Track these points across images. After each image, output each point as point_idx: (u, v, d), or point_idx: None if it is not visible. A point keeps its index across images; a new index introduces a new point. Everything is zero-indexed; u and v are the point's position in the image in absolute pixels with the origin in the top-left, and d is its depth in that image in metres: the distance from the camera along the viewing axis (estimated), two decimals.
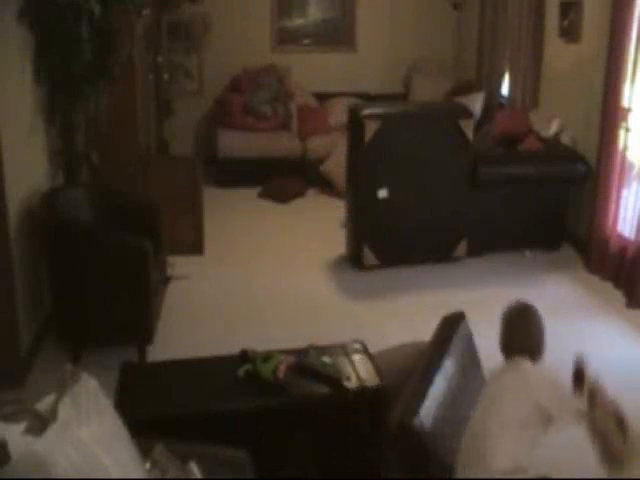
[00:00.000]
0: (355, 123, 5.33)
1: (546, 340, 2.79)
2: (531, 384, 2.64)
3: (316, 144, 7.44)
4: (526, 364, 2.69)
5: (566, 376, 2.71)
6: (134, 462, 2.15)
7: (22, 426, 1.93)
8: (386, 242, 5.44)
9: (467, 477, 2.53)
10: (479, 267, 5.56)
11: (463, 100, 6.80)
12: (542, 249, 5.78)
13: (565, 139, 5.89)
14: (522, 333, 2.76)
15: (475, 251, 5.65)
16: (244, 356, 3.16)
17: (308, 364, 3.15)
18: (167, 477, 2.27)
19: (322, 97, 7.94)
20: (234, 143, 7.38)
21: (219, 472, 2.45)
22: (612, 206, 5.29)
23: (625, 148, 5.21)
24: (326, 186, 7.18)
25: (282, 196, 7.02)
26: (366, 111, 5.31)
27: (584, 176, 5.58)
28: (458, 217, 5.53)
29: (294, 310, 4.89)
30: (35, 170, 4.38)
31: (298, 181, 7.26)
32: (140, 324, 4.14)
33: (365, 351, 3.37)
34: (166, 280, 4.95)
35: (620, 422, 2.44)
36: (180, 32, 7.68)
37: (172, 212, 5.12)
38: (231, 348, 3.34)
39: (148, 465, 2.26)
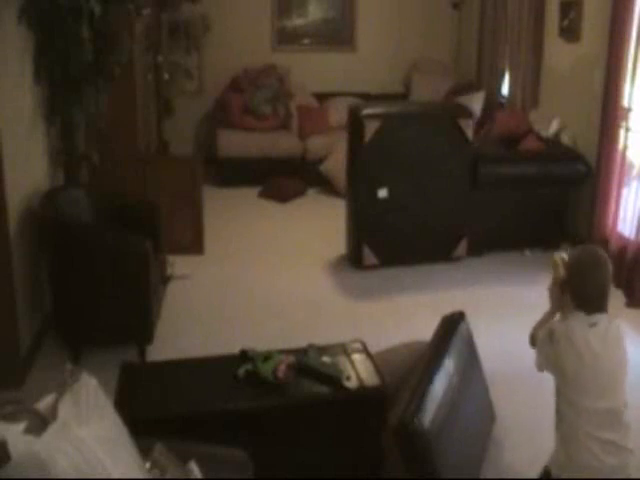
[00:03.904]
0: (355, 123, 5.33)
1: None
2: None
3: (316, 144, 7.44)
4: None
5: None
6: (134, 462, 2.15)
7: (22, 426, 1.93)
8: (386, 242, 5.44)
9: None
10: (479, 267, 5.56)
11: (463, 100, 6.80)
12: (542, 249, 5.77)
13: (565, 139, 5.90)
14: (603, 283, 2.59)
15: (475, 251, 5.65)
16: (244, 356, 3.16)
17: (308, 364, 3.15)
18: (167, 477, 2.27)
19: (322, 97, 7.93)
20: (234, 143, 7.38)
21: (219, 472, 2.45)
22: (612, 206, 5.29)
23: (625, 148, 5.22)
24: (326, 186, 7.19)
25: (282, 196, 7.02)
26: (366, 111, 5.31)
27: (584, 176, 5.58)
28: (458, 217, 5.53)
29: (294, 310, 4.89)
30: (35, 170, 4.38)
31: (298, 181, 7.26)
32: (140, 324, 4.14)
33: (365, 351, 3.36)
34: (166, 280, 4.95)
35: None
36: (180, 32, 7.67)
37: (172, 212, 5.13)
38: (231, 348, 3.34)
39: (148, 465, 2.26)
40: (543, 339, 2.65)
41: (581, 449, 2.52)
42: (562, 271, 2.67)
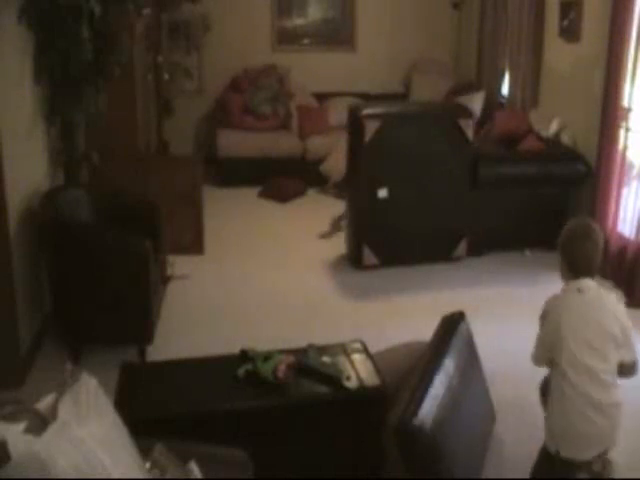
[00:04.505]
0: (355, 123, 5.33)
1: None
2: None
3: (316, 144, 7.44)
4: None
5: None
6: (134, 462, 2.15)
7: (22, 426, 1.93)
8: (386, 242, 5.44)
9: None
10: (479, 267, 5.56)
11: (463, 100, 6.80)
12: (542, 249, 5.77)
13: (565, 139, 5.89)
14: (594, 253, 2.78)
15: (475, 251, 5.65)
16: (244, 356, 3.16)
17: (308, 364, 3.15)
18: (167, 477, 2.27)
19: (322, 97, 7.93)
20: (234, 143, 7.38)
21: (219, 472, 2.45)
22: (612, 206, 5.29)
23: (625, 148, 5.21)
24: (326, 186, 7.19)
25: (282, 196, 7.02)
26: (366, 111, 5.31)
27: (584, 176, 5.58)
28: (458, 217, 5.53)
29: (294, 310, 4.89)
30: (35, 170, 4.38)
31: (298, 181, 7.26)
32: (140, 324, 4.14)
33: (365, 351, 3.37)
34: (166, 280, 4.95)
35: None
36: (180, 32, 7.67)
37: (172, 212, 5.12)
38: (231, 348, 3.34)
39: (148, 465, 2.26)
40: (539, 325, 2.80)
41: (576, 415, 2.65)
42: None
